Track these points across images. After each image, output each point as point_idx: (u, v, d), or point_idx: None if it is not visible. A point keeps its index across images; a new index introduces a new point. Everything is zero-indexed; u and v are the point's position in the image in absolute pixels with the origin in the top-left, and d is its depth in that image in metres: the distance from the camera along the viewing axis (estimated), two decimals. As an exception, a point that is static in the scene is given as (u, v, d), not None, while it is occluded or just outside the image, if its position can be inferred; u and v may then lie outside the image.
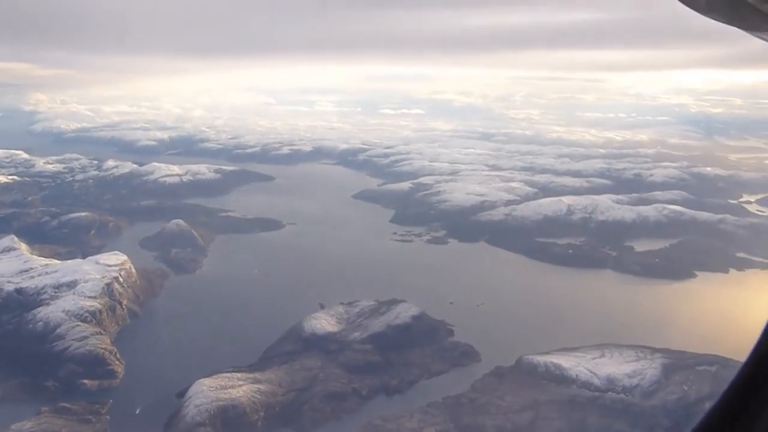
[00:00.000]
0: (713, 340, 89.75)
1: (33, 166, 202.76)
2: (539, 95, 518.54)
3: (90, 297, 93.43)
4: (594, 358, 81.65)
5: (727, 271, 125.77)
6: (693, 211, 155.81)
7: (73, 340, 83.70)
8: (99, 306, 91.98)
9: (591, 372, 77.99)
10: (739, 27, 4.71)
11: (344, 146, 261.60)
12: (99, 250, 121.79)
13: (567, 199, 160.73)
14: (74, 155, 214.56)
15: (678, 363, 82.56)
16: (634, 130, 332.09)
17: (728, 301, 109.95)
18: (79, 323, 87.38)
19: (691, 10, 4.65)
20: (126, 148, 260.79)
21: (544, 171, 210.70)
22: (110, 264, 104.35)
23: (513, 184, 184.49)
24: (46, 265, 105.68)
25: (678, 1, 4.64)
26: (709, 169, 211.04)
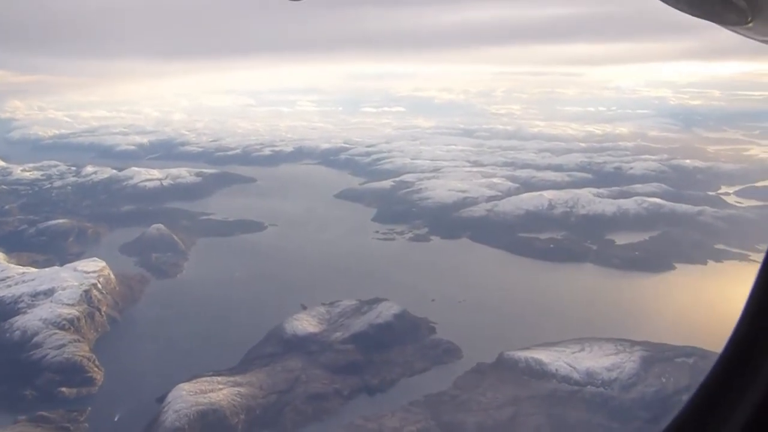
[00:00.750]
0: (691, 332, 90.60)
1: (10, 174, 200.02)
2: (520, 90, 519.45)
3: (67, 304, 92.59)
4: (574, 353, 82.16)
5: (705, 263, 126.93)
6: (672, 204, 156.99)
7: (50, 348, 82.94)
8: (77, 313, 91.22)
9: (571, 366, 78.48)
10: (712, 21, 4.71)
11: (326, 146, 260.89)
12: (78, 257, 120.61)
13: (548, 194, 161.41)
14: (52, 162, 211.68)
15: (657, 355, 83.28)
16: (614, 123, 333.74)
17: (706, 292, 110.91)
18: (57, 331, 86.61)
19: (665, 4, 4.68)
20: (105, 154, 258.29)
21: (525, 166, 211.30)
22: (88, 271, 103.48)
23: (495, 180, 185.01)
24: (23, 273, 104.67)
25: None
26: (688, 161, 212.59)
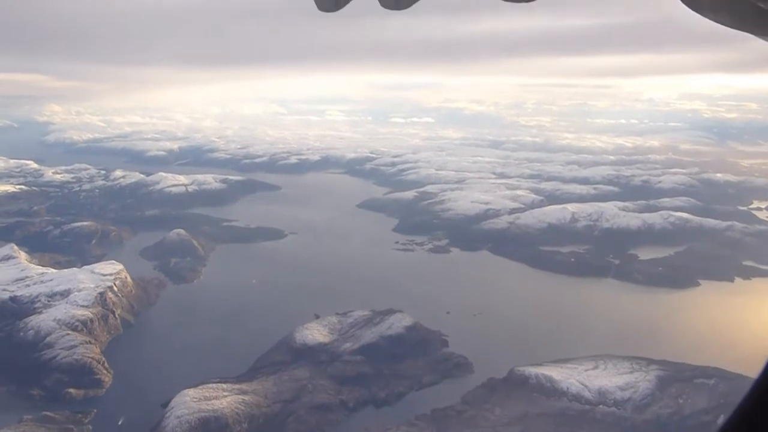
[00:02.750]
0: (714, 352, 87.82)
1: (42, 176, 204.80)
2: (551, 102, 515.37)
3: (82, 306, 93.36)
4: (587, 370, 79.91)
5: (732, 280, 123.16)
6: (700, 218, 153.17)
7: (61, 348, 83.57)
8: (91, 315, 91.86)
9: (582, 384, 76.29)
10: (749, 32, 4.67)
11: (352, 155, 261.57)
12: (99, 260, 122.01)
13: (572, 207, 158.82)
14: (83, 165, 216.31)
15: (674, 375, 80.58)
16: (645, 136, 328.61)
17: (732, 310, 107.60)
18: (69, 332, 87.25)
19: (702, 16, 4.67)
20: (136, 158, 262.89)
21: (551, 178, 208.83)
22: (105, 273, 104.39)
23: (519, 192, 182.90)
24: (42, 273, 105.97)
25: (685, 6, 4.68)
26: (719, 175, 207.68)
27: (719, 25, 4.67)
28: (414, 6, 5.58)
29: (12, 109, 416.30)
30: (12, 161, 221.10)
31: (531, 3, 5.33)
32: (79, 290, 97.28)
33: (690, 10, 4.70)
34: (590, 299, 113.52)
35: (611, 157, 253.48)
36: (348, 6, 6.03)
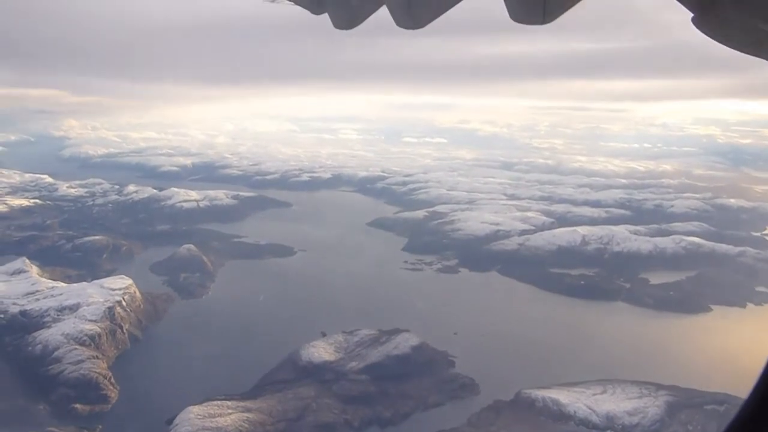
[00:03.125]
0: (725, 378, 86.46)
1: (56, 190, 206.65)
2: (565, 125, 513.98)
3: (90, 320, 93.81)
4: (595, 394, 79.15)
5: (744, 306, 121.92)
6: (712, 243, 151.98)
7: (68, 363, 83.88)
8: (99, 330, 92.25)
9: (590, 409, 75.54)
10: (758, 56, 4.71)
11: (364, 174, 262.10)
12: (110, 274, 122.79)
13: (582, 230, 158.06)
14: (97, 180, 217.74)
15: (684, 401, 79.76)
16: (658, 160, 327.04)
17: (744, 336, 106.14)
18: (77, 347, 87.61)
19: (716, 42, 4.75)
20: (149, 174, 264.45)
21: (562, 201, 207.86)
22: (114, 288, 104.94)
23: (529, 214, 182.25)
24: (53, 287, 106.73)
25: (699, 32, 4.74)
26: (732, 200, 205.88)
27: (734, 51, 4.71)
28: (429, 27, 5.64)
29: (29, 124, 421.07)
30: (27, 175, 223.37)
31: (547, 26, 5.34)
32: (88, 305, 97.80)
33: (703, 35, 4.74)
34: (600, 322, 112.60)
35: (623, 181, 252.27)
36: (364, 25, 6.12)
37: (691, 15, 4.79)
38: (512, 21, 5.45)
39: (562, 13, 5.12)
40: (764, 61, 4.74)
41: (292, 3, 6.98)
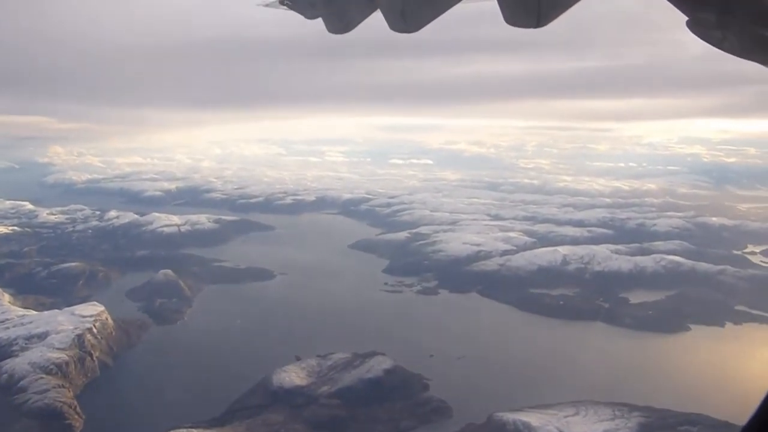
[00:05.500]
0: (700, 399, 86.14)
1: (36, 216, 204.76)
2: (552, 145, 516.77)
3: (58, 348, 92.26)
4: (566, 416, 78.16)
5: (723, 325, 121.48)
6: (692, 262, 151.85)
7: (33, 393, 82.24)
8: (66, 358, 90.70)
9: (560, 431, 74.49)
10: (752, 60, 4.66)
11: (348, 196, 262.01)
12: (84, 300, 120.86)
13: (563, 249, 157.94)
14: (79, 206, 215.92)
15: (657, 422, 78.84)
16: (643, 179, 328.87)
17: (721, 356, 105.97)
18: (43, 375, 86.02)
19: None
20: (133, 199, 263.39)
21: (545, 220, 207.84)
22: (85, 315, 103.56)
23: (511, 234, 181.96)
24: (23, 315, 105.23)
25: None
26: (714, 219, 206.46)
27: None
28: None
29: (15, 151, 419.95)
30: (8, 202, 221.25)
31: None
32: (57, 332, 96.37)
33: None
34: (578, 343, 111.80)
35: (607, 200, 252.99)
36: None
37: (686, 19, 4.77)
38: (506, 28, 5.45)
39: (555, 17, 5.15)
40: (749, 77, 4.65)
41: (286, 8, 6.98)
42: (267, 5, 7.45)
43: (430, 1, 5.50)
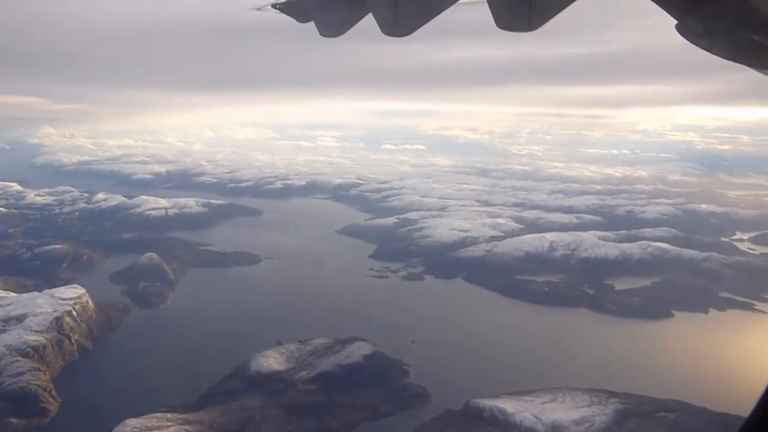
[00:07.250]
0: (679, 385, 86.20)
1: (23, 198, 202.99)
2: (546, 132, 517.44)
3: (36, 331, 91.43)
4: (543, 403, 77.94)
5: (707, 312, 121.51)
6: (679, 249, 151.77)
7: (7, 376, 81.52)
8: (44, 341, 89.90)
9: (536, 418, 74.27)
10: (740, 62, 4.78)
11: (338, 181, 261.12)
12: (68, 283, 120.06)
13: (551, 236, 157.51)
14: (67, 188, 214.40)
15: (635, 409, 78.68)
16: (635, 166, 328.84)
17: (703, 342, 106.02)
18: (20, 358, 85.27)
19: (698, 48, 4.82)
20: (122, 181, 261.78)
21: (534, 207, 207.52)
22: (65, 297, 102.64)
23: (499, 220, 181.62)
24: (2, 297, 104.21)
25: (682, 38, 4.85)
26: (704, 206, 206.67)
27: (714, 57, 4.81)
28: (414, 33, 5.67)
29: (6, 132, 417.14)
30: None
31: (533, 32, 5.40)
32: (35, 315, 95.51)
33: (684, 42, 4.87)
34: (560, 330, 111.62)
35: (598, 187, 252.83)
36: (349, 32, 6.23)
37: (675, 22, 4.81)
38: (497, 28, 5.53)
39: (546, 20, 5.17)
40: (745, 67, 4.85)
41: (278, 12, 7.00)
42: (259, 9, 7.42)
43: (422, 6, 5.46)
